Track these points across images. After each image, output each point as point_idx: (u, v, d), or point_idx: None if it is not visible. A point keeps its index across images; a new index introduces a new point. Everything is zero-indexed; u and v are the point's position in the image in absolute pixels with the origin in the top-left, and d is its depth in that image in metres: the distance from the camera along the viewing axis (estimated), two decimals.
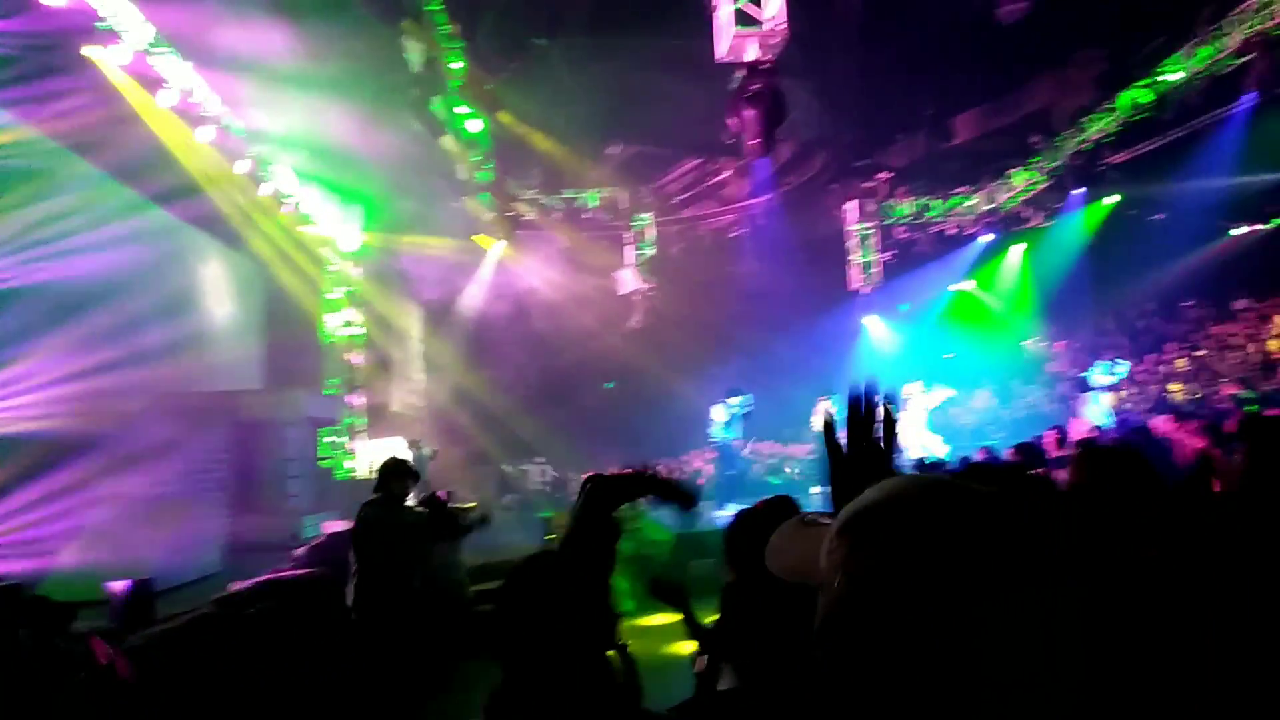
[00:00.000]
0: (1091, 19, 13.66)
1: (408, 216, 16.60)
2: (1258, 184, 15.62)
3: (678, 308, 18.06)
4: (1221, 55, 12.08)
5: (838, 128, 17.20)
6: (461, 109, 13.49)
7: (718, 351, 17.33)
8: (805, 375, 16.03)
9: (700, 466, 16.37)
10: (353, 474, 15.16)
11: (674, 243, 19.04)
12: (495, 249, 18.32)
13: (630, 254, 18.73)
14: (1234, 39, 11.79)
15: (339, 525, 8.68)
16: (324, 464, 14.52)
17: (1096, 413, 12.39)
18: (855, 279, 19.07)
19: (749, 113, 11.79)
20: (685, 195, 19.31)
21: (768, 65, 11.54)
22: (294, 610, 5.72)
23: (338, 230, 16.40)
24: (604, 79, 14.44)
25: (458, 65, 12.93)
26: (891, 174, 18.64)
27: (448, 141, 13.73)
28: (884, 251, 19.07)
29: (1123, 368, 13.07)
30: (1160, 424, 9.86)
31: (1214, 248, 17.09)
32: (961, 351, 19.08)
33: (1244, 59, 11.96)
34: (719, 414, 13.03)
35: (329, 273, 16.78)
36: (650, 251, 18.72)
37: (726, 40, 11.18)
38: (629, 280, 18.42)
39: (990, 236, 18.96)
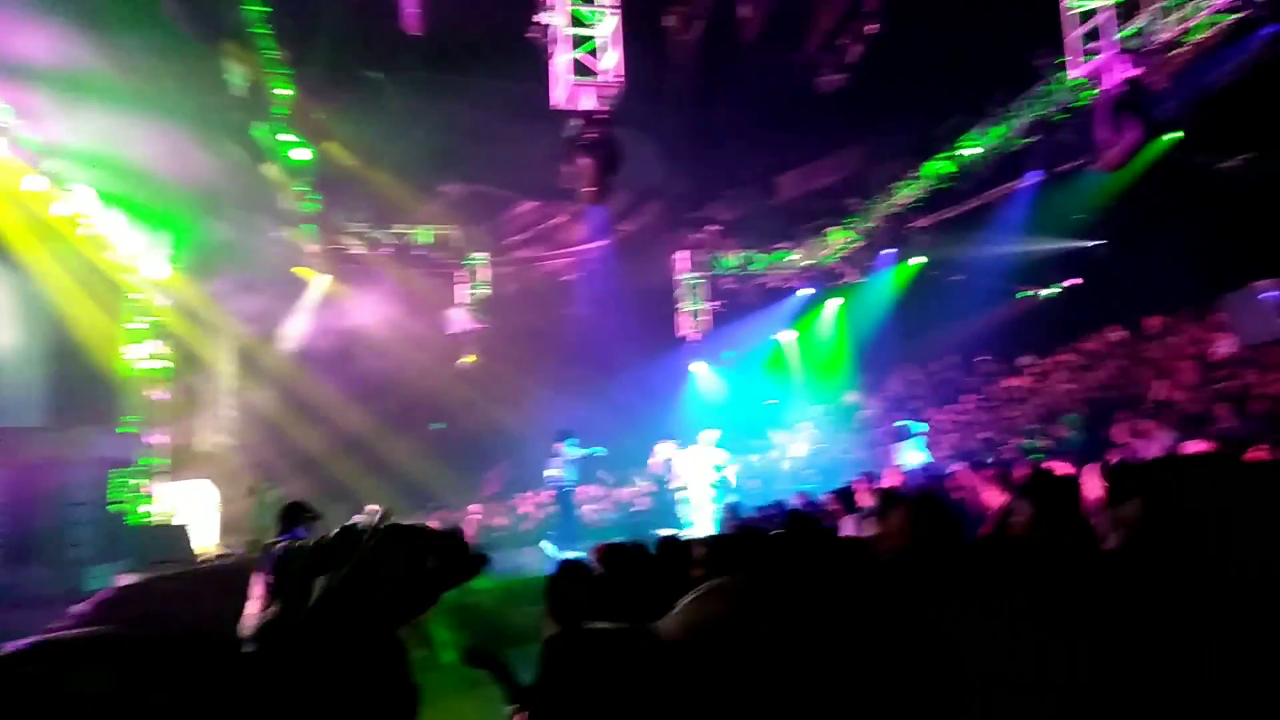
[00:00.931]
0: (901, 94, 14.78)
1: (223, 245, 15.67)
2: (1042, 251, 17.30)
3: (511, 349, 17.92)
4: (1011, 135, 13.35)
5: (672, 179, 17.72)
6: (287, 136, 12.95)
7: (551, 393, 17.29)
8: (636, 419, 16.22)
9: (530, 510, 16.20)
10: (149, 519, 13.96)
11: (508, 283, 18.94)
12: (319, 283, 17.59)
13: (463, 293, 18.47)
14: (1022, 121, 13.07)
15: (131, 578, 7.95)
16: (115, 509, 13.30)
17: (906, 460, 13.17)
18: (684, 326, 19.58)
19: (584, 161, 11.93)
20: (521, 237, 19.28)
21: (604, 116, 11.75)
22: (69, 675, 5.13)
23: (143, 256, 15.25)
24: (441, 116, 14.27)
25: (285, 91, 12.43)
26: (720, 227, 19.36)
27: (270, 169, 13.12)
28: (712, 300, 19.72)
29: (922, 426, 14.04)
30: (959, 472, 10.61)
31: (1005, 307, 18.72)
32: (782, 399, 19.91)
33: (1030, 139, 13.26)
34: (562, 456, 12.96)
35: (130, 301, 15.54)
36: (484, 291, 18.53)
37: (563, 89, 11.30)
38: (460, 320, 18.14)
39: (810, 290, 19.98)
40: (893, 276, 18.66)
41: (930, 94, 14.66)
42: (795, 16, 14.14)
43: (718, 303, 19.80)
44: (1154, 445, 10.63)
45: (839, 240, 18.53)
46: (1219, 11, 9.35)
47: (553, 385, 17.25)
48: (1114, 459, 10.50)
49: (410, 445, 17.44)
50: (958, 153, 14.68)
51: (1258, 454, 6.31)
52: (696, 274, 19.57)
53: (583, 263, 18.54)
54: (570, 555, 4.42)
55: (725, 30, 14.46)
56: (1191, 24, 9.57)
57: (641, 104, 14.14)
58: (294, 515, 5.71)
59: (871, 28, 12.40)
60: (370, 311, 17.91)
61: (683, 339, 19.64)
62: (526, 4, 11.64)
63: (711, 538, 4.61)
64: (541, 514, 15.36)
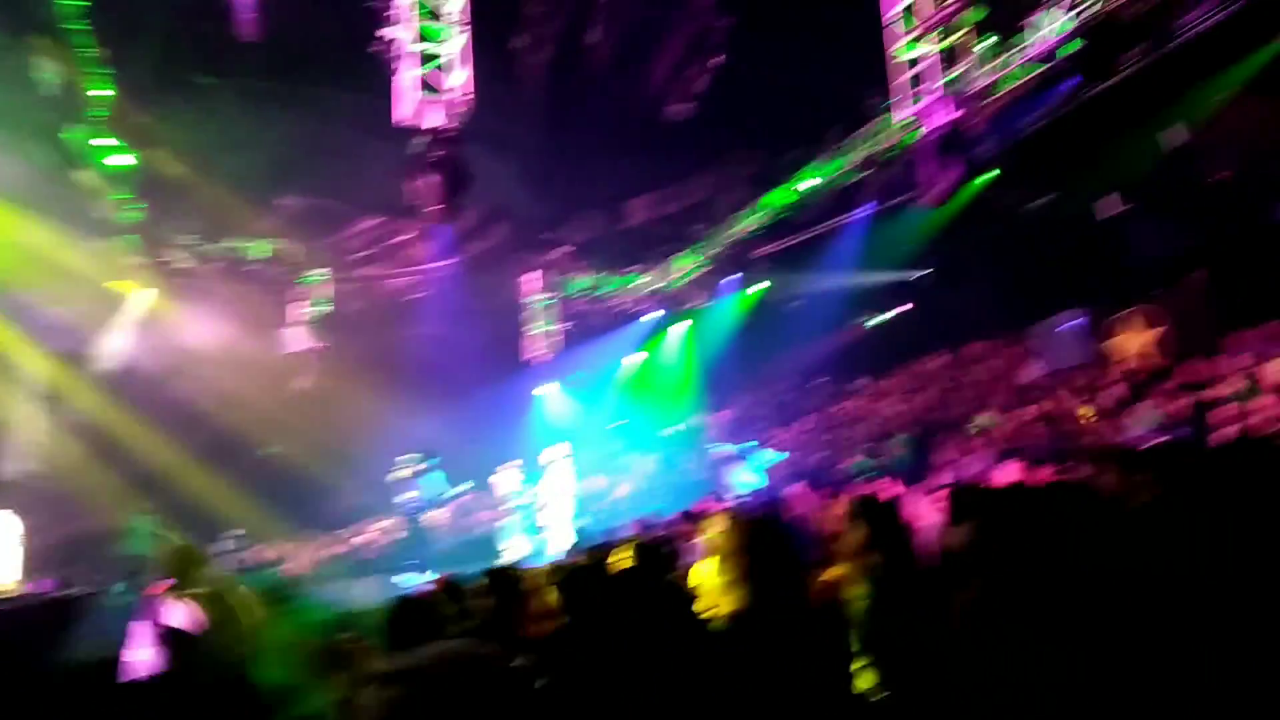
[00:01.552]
0: (746, 126, 15.33)
1: (28, 255, 14.37)
2: (874, 280, 18.25)
3: (354, 369, 17.26)
4: (846, 169, 14.06)
5: (523, 200, 17.65)
6: (105, 141, 12.06)
7: (395, 416, 16.76)
8: (483, 442, 15.94)
9: (375, 537, 15.59)
10: None
11: (350, 302, 18.28)
12: (141, 298, 16.41)
13: (301, 311, 17.68)
14: (855, 157, 13.80)
15: None
16: None
17: (740, 481, 13.57)
18: (533, 348, 19.48)
19: (431, 178, 11.72)
20: (364, 254, 18.67)
21: (451, 134, 11.60)
22: None
23: None
24: (279, 126, 13.66)
25: (104, 92, 11.58)
26: (571, 248, 19.42)
27: (86, 175, 12.18)
28: (562, 322, 19.72)
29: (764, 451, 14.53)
30: (796, 491, 10.99)
31: (840, 333, 19.61)
32: (631, 421, 20.09)
33: (863, 174, 14.01)
34: (416, 480, 12.57)
35: None
36: (324, 309, 17.80)
37: (409, 104, 11.08)
38: (298, 338, 17.35)
39: (659, 313, 20.31)
40: (736, 302, 19.21)
41: (773, 127, 15.27)
42: (645, 45, 14.44)
43: (568, 324, 19.81)
44: (975, 464, 11.37)
45: (686, 265, 18.95)
46: (1029, 63, 10.18)
47: (397, 408, 16.73)
48: (945, 480, 11.15)
49: (239, 472, 16.48)
50: (797, 185, 15.33)
51: (1062, 474, 6.82)
52: (546, 295, 19.53)
53: (429, 282, 18.13)
54: (419, 585, 4.28)
55: (577, 55, 14.59)
56: (1005, 73, 10.37)
57: (493, 123, 14.07)
58: (186, 563, 5.21)
59: (716, 60, 12.79)
60: (199, 329, 16.85)
61: (531, 361, 19.51)
62: (372, 17, 11.36)
63: (558, 569, 4.55)
64: (386, 541, 14.83)
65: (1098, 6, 9.01)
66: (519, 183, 16.93)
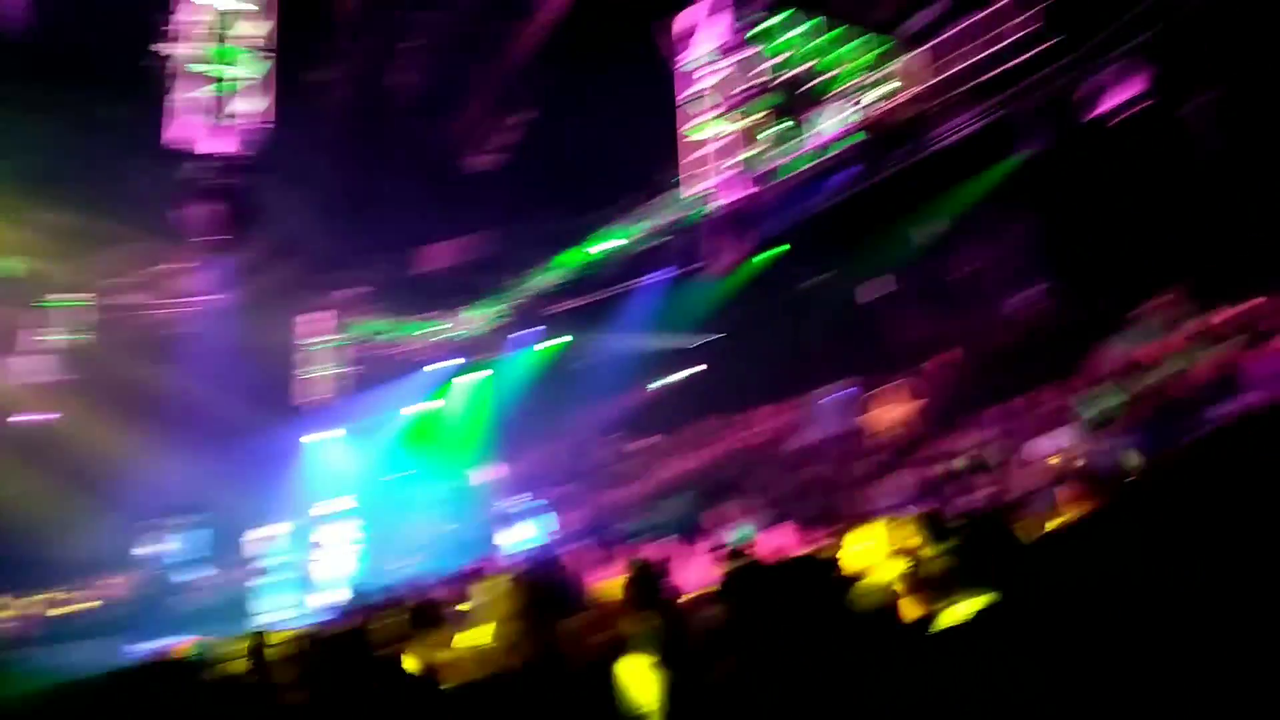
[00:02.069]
0: (548, 184, 15.47)
1: None
2: (666, 342, 18.82)
3: (99, 408, 15.57)
4: (643, 235, 14.48)
5: (310, 235, 16.80)
6: None
7: (148, 461, 15.22)
8: (250, 491, 14.83)
9: (110, 593, 13.99)
10: None
11: (102, 331, 16.52)
12: None
13: (37, 339, 15.77)
14: (653, 223, 14.24)
15: None
16: None
17: (524, 538, 13.39)
18: (310, 392, 18.43)
19: (208, 206, 10.94)
20: (125, 280, 17.02)
21: (240, 161, 10.91)
22: None
23: None
24: (35, 136, 12.31)
25: None
26: (361, 290, 18.64)
27: None
28: (345, 366, 18.80)
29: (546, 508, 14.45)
30: (575, 550, 10.97)
31: (633, 391, 19.99)
32: (414, 473, 19.40)
33: (659, 240, 14.48)
34: (167, 533, 11.39)
35: None
36: (68, 338, 15.97)
37: (184, 126, 10.32)
38: (33, 368, 15.48)
39: (451, 362, 19.85)
40: (533, 355, 19.16)
41: (574, 188, 15.50)
42: (454, 94, 14.31)
43: (351, 368, 18.90)
44: (747, 525, 11.79)
45: (485, 314, 18.71)
46: (814, 150, 10.96)
47: (149, 451, 15.22)
48: (722, 540, 11.45)
49: None
50: (594, 245, 15.61)
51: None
52: (330, 337, 18.58)
53: (198, 315, 16.77)
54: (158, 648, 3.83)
55: (384, 95, 14.23)
56: (793, 158, 11.10)
57: (289, 156, 13.38)
58: None
59: (524, 117, 12.87)
60: None
61: (308, 406, 18.42)
62: (155, 30, 10.57)
63: (302, 639, 4.20)
64: (123, 599, 13.36)
65: (875, 108, 9.86)
66: (311, 219, 16.12)
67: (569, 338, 18.32)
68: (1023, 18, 8.41)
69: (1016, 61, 8.82)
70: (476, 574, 9.19)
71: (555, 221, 16.51)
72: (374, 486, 17.33)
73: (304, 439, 18.23)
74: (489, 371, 19.76)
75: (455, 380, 20.28)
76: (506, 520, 14.73)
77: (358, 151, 14.96)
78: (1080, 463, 10.36)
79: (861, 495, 12.23)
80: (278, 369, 17.80)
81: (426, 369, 19.74)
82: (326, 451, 18.43)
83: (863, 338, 16.71)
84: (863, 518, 7.83)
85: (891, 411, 14.78)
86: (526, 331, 18.03)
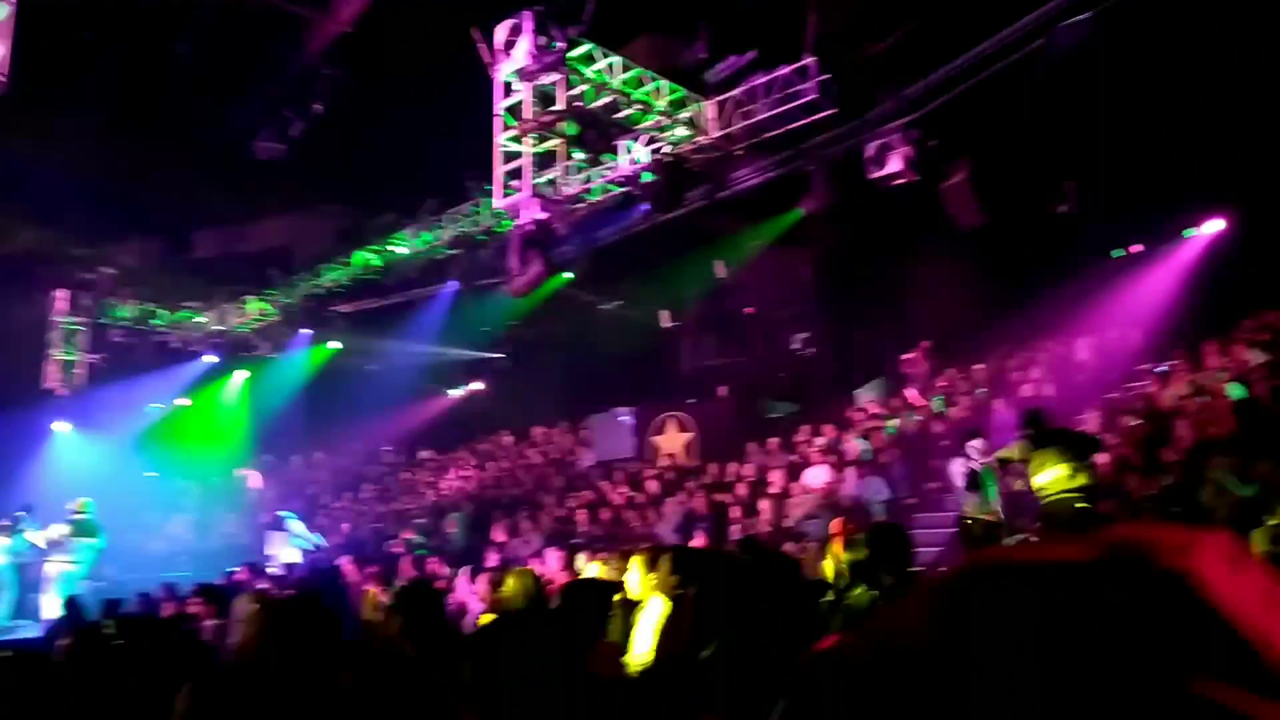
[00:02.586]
0: (340, 178, 14.81)
1: None
2: (452, 355, 18.48)
3: None
4: (438, 243, 14.16)
5: (62, 207, 15.12)
6: None
7: None
8: None
9: None
10: None
11: None
12: None
13: None
14: (448, 233, 13.96)
15: None
16: None
17: (282, 551, 12.69)
18: (53, 378, 16.52)
19: None
20: None
21: None
22: None
23: None
24: None
25: None
26: (117, 271, 16.96)
27: None
28: (94, 353, 16.99)
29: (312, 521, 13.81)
30: (344, 565, 10.50)
31: (414, 403, 19.46)
32: (166, 473, 17.85)
33: (454, 251, 14.21)
34: None
35: None
36: None
37: None
38: None
39: (215, 358, 18.40)
40: (307, 357, 18.16)
41: (369, 186, 14.93)
42: (242, 74, 13.41)
43: (100, 356, 17.09)
44: (529, 545, 11.78)
45: (255, 310, 17.52)
46: (612, 182, 11.18)
47: None
48: (493, 562, 11.35)
49: None
50: (387, 248, 15.06)
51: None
52: (78, 319, 16.75)
53: None
54: None
55: (160, 63, 13.09)
56: (590, 187, 11.28)
57: (34, 114, 11.99)
58: None
59: (317, 107, 12.27)
60: None
61: (49, 393, 16.50)
62: None
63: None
64: None
65: (670, 148, 10.24)
66: (67, 189, 14.51)
67: (341, 343, 17.44)
68: (810, 84, 9.06)
69: (802, 123, 9.48)
70: (233, 588, 8.60)
71: (348, 219, 15.80)
72: (126, 483, 15.76)
73: (49, 427, 16.35)
74: (259, 370, 18.53)
75: (220, 377, 18.87)
76: (270, 529, 13.86)
77: (126, 121, 13.66)
78: (844, 495, 11.21)
79: (638, 521, 12.54)
80: (23, 350, 15.81)
81: (190, 362, 18.21)
82: (71, 443, 16.59)
83: (649, 365, 17.24)
84: (636, 544, 8.05)
85: (668, 440, 15.30)
86: (304, 332, 17.05)
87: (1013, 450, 8.89)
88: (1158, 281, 12.95)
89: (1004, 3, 8.53)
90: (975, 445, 9.45)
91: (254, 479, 18.45)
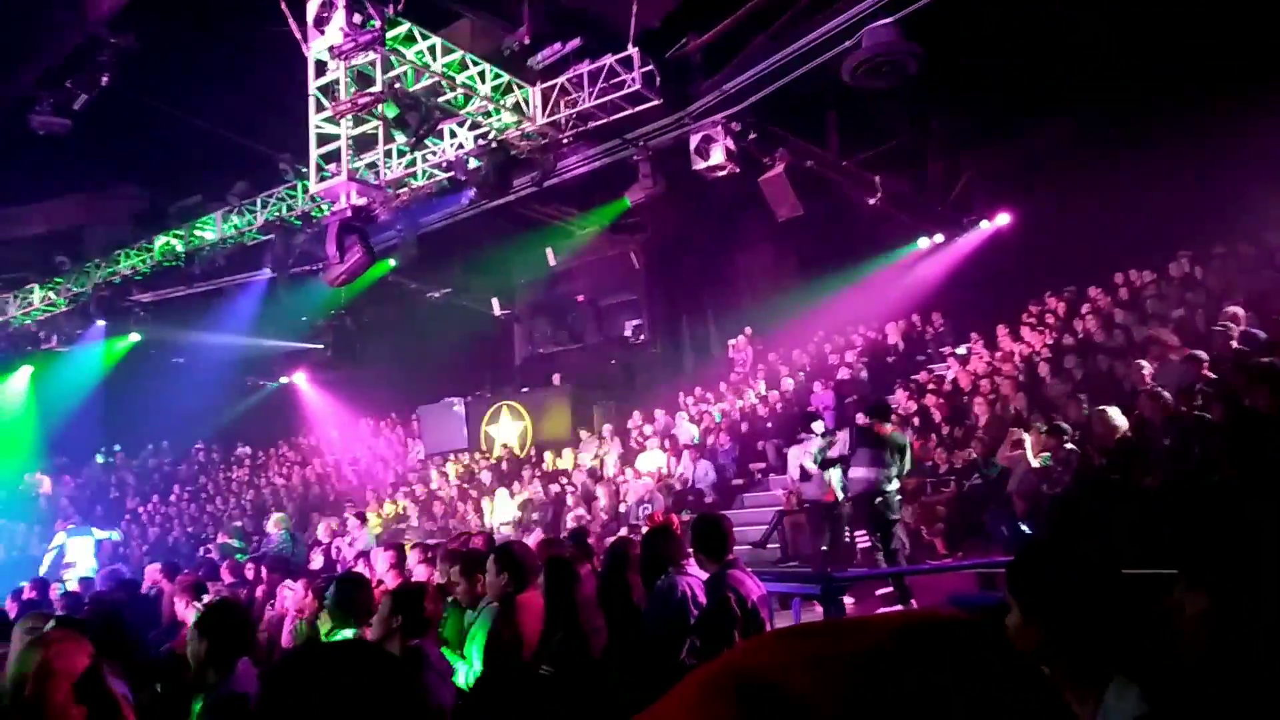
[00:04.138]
0: (138, 158, 13.62)
1: None
2: (267, 346, 17.43)
3: None
4: (249, 229, 13.30)
5: None
6: None
7: None
8: None
9: None
10: None
11: None
12: None
13: None
14: (260, 217, 13.13)
15: None
16: None
17: (86, 562, 11.70)
18: None
19: None
20: None
21: None
22: None
23: None
24: None
25: None
26: None
27: None
28: None
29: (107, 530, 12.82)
30: (152, 573, 9.74)
31: (226, 397, 18.28)
32: None
33: (268, 236, 13.38)
34: None
35: None
36: None
37: None
38: None
39: None
40: (102, 350, 16.66)
41: (171, 167, 13.81)
42: (12, 40, 12.08)
43: None
44: (357, 544, 11.32)
45: (39, 299, 15.89)
46: (436, 167, 10.84)
47: None
48: (316, 562, 10.87)
49: None
50: (193, 232, 14.01)
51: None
52: None
53: None
54: None
55: None
56: (412, 172, 10.90)
57: None
58: None
59: (104, 79, 11.21)
60: None
61: None
62: None
63: None
64: None
65: (500, 133, 10.03)
66: None
67: (141, 335, 16.07)
68: (634, 74, 9.09)
69: (627, 113, 9.51)
70: (20, 610, 7.78)
71: (145, 201, 14.54)
72: None
73: None
74: (45, 366, 16.85)
75: (5, 370, 17.04)
76: (67, 538, 12.70)
77: None
78: (674, 479, 11.44)
79: (476, 514, 12.34)
80: None
81: None
82: None
83: (480, 354, 16.95)
84: (470, 539, 7.89)
85: (501, 430, 15.13)
86: (97, 323, 15.60)
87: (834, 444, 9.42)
88: (955, 269, 13.94)
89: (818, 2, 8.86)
90: (817, 429, 9.87)
91: (45, 484, 16.84)
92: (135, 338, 16.24)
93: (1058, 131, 12.45)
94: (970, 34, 9.86)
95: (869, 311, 13.98)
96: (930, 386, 11.32)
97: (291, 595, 7.40)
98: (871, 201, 12.05)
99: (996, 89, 11.59)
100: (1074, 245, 11.90)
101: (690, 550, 4.20)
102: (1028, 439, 7.87)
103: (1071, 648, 1.61)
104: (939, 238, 14.21)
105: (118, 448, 18.52)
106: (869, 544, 8.73)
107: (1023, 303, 12.29)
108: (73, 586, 10.91)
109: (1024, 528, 7.50)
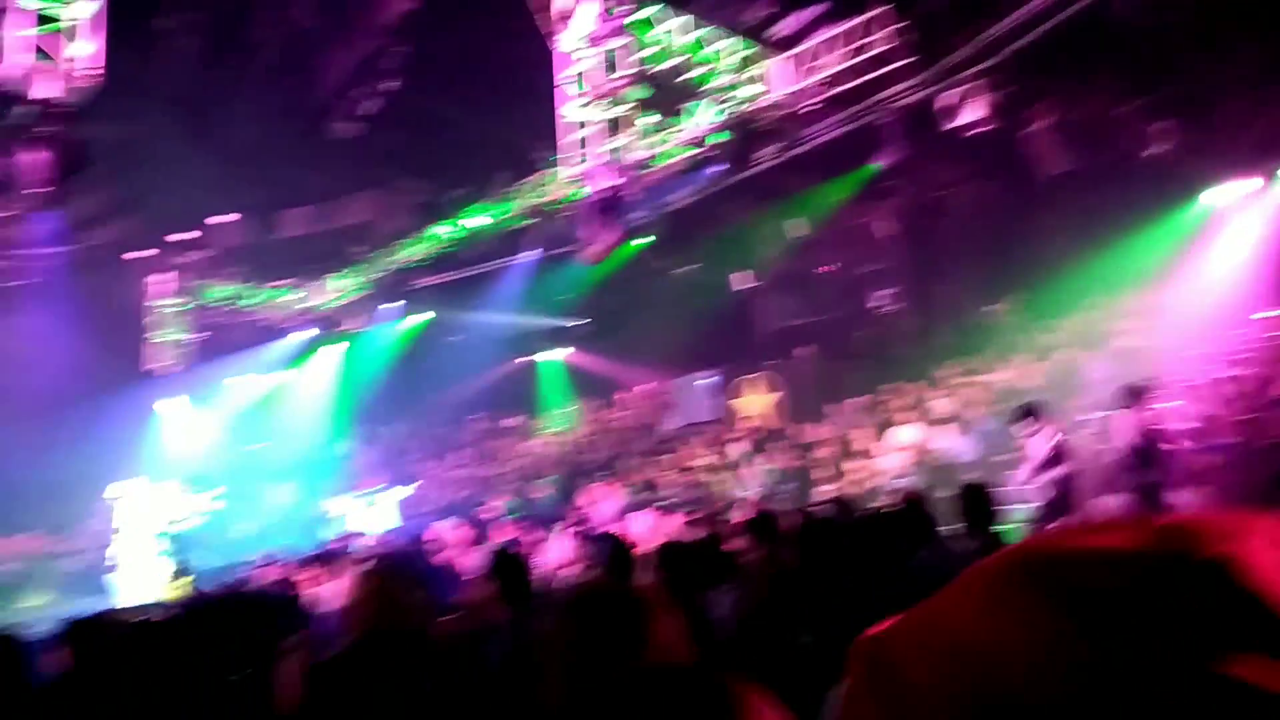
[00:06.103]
0: (416, 154, 15.04)
1: None
2: (535, 323, 18.68)
3: None
4: (513, 214, 14.31)
5: (158, 192, 15.78)
6: None
7: None
8: (85, 461, 13.95)
9: None
10: None
11: None
12: None
13: None
14: (524, 203, 14.10)
15: None
16: None
17: (382, 519, 13.11)
18: (156, 358, 17.39)
19: (35, 155, 10.09)
20: None
21: (68, 109, 10.09)
22: None
23: None
24: None
25: None
26: (212, 253, 17.67)
27: None
28: (194, 332, 17.80)
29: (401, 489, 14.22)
30: (438, 531, 10.80)
31: (498, 371, 19.77)
32: (267, 446, 18.63)
33: (529, 221, 14.35)
34: None
35: None
36: None
37: (15, 66, 9.50)
38: None
39: (310, 333, 19.08)
40: (395, 329, 18.66)
41: (445, 161, 15.14)
42: (316, 53, 13.71)
43: (201, 335, 17.91)
44: (611, 507, 11.92)
45: (342, 286, 18.05)
46: (682, 145, 11.10)
47: None
48: (575, 521, 11.55)
49: None
50: (464, 221, 15.30)
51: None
52: (177, 300, 17.54)
53: (20, 272, 15.47)
54: None
55: (238, 48, 13.48)
56: (662, 150, 11.21)
57: (128, 105, 12.48)
58: None
59: (391, 85, 12.46)
60: None
61: (151, 372, 17.35)
62: None
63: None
64: None
65: (742, 107, 10.08)
66: (155, 175, 15.12)
67: (432, 314, 17.84)
68: (882, 33, 8.78)
69: (876, 74, 9.21)
70: (333, 555, 8.94)
71: (425, 193, 16.06)
72: (224, 458, 16.54)
73: (153, 406, 17.18)
74: (352, 344, 19.11)
75: (312, 351, 19.53)
76: (366, 498, 14.36)
77: (211, 106, 14.15)
78: (932, 453, 11.01)
79: (728, 482, 12.57)
80: (122, 331, 16.65)
81: (282, 339, 18.91)
82: (176, 420, 17.44)
83: (728, 328, 17.12)
84: (726, 506, 8.09)
85: (752, 402, 15.24)
86: (392, 305, 17.50)
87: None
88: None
89: None
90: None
91: (352, 449, 19.12)
92: (426, 317, 17.99)
93: None
94: None
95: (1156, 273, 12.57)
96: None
97: (558, 549, 7.95)
98: (1153, 152, 10.86)
99: None
100: None
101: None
102: None
103: None
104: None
105: (406, 418, 20.55)
106: None
107: None
108: (373, 542, 12.33)
109: None
